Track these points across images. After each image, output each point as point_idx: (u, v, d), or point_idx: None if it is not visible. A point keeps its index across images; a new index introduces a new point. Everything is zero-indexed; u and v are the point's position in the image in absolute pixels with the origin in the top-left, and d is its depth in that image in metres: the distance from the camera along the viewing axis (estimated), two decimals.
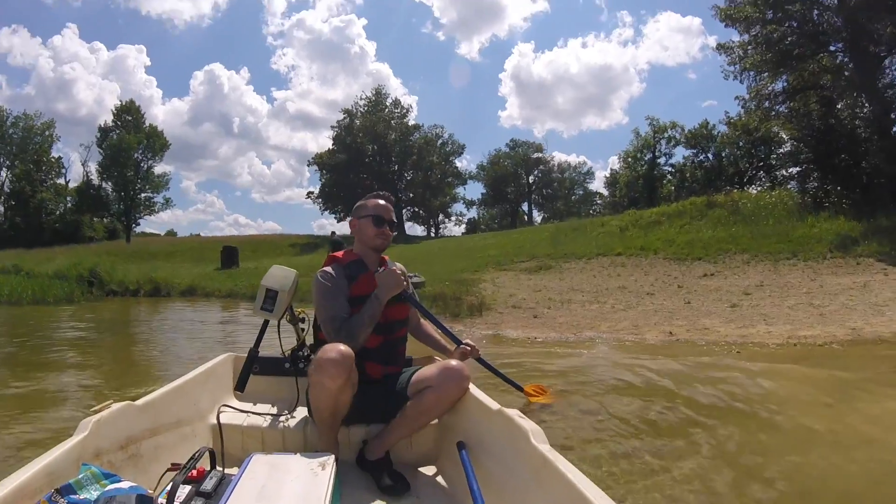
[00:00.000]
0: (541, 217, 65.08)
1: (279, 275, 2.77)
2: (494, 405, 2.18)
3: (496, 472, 2.03)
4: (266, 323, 2.85)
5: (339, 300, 2.46)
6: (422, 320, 2.93)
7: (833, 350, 6.23)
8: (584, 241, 16.96)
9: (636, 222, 19.67)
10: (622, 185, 53.32)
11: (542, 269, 13.49)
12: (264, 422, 2.63)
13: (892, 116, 19.66)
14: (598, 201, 64.02)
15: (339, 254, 2.65)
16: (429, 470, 2.53)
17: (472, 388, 2.43)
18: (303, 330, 2.88)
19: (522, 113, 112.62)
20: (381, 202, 2.66)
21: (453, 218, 65.90)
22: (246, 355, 2.85)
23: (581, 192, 67.81)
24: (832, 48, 20.94)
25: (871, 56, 19.86)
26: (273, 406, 2.86)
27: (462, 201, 65.76)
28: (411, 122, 59.65)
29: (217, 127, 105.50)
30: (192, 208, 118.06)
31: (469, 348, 2.83)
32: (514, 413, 2.03)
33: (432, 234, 60.58)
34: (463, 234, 59.64)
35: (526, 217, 65.59)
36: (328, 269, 2.54)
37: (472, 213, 70.02)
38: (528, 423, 1.91)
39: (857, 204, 17.08)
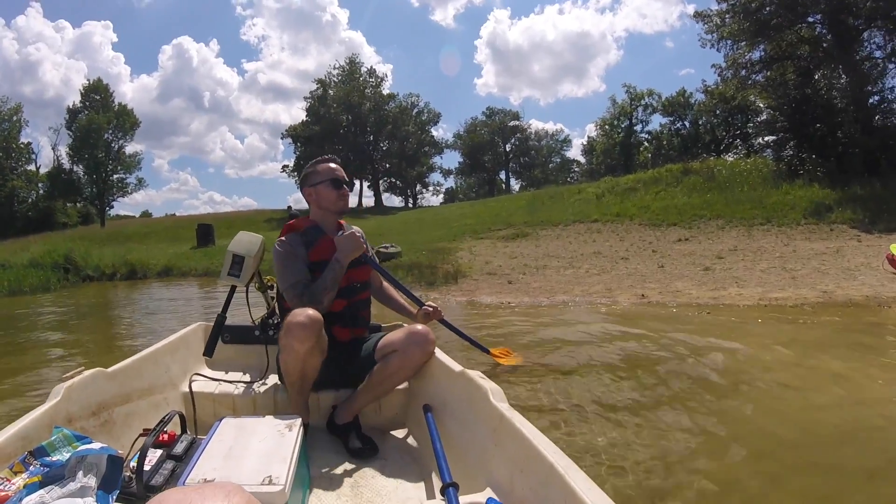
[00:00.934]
0: (518, 185, 64.93)
1: (245, 240, 2.80)
2: (457, 367, 2.23)
3: (459, 432, 2.07)
4: (234, 289, 2.87)
5: (298, 266, 2.48)
6: (384, 284, 2.96)
7: (803, 311, 6.36)
8: (561, 209, 17.06)
9: (612, 189, 19.81)
10: (599, 152, 53.76)
11: (519, 237, 13.60)
12: (235, 389, 2.66)
13: (868, 88, 20.00)
14: (576, 169, 64.37)
15: (294, 222, 2.65)
16: (399, 433, 2.59)
17: (438, 352, 2.47)
18: (272, 298, 2.91)
19: (499, 80, 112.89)
20: (332, 164, 2.66)
21: (430, 188, 65.82)
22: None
23: (558, 160, 67.47)
24: (810, 19, 21.01)
25: (849, 28, 20.01)
26: (244, 374, 2.88)
27: (439, 171, 65.58)
28: (386, 92, 58.81)
29: (187, 102, 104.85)
30: (165, 188, 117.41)
31: (431, 309, 2.88)
32: (475, 374, 2.06)
33: (410, 205, 60.13)
34: (441, 204, 59.45)
35: (503, 185, 65.30)
36: (284, 238, 2.56)
37: (450, 182, 70.30)
38: (487, 383, 1.95)
39: (831, 173, 17.41)
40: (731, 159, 26.99)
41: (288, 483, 1.52)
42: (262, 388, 2.67)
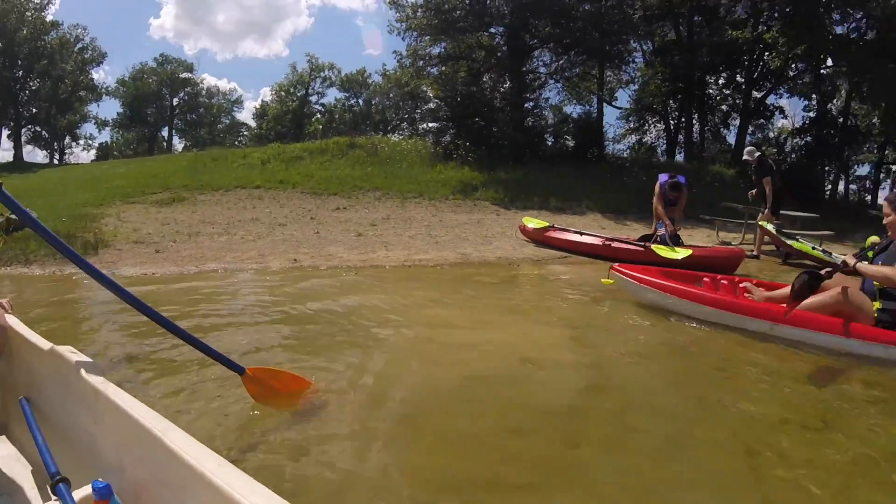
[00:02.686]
0: (182, 145, 57.70)
1: None
2: (46, 345, 1.90)
3: (60, 418, 1.81)
4: None
5: None
6: None
7: (440, 270, 7.09)
8: (224, 173, 16.33)
9: (279, 156, 19.51)
10: (271, 118, 52.21)
11: (176, 202, 12.66)
12: None
13: (527, 95, 23.52)
14: (245, 133, 59.32)
15: None
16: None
17: (23, 329, 2.09)
18: None
19: (177, 25, 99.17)
20: None
21: (82, 141, 54.69)
22: None
23: (228, 121, 61.12)
24: (493, 30, 23.53)
25: (524, 44, 23.14)
26: None
27: (93, 121, 54.86)
28: (49, 18, 46.78)
29: None
30: None
31: None
32: (65, 350, 1.80)
33: (56, 161, 50.42)
34: (92, 161, 50.21)
35: (165, 144, 57.17)
36: None
37: (105, 136, 59.30)
38: (79, 357, 1.72)
39: (482, 159, 19.69)
40: (395, 139, 28.57)
41: None
42: None
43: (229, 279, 6.20)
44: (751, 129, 33.68)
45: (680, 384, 3.52)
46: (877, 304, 4.26)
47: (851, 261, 4.39)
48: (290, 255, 7.59)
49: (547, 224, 9.90)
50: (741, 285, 5.36)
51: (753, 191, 10.50)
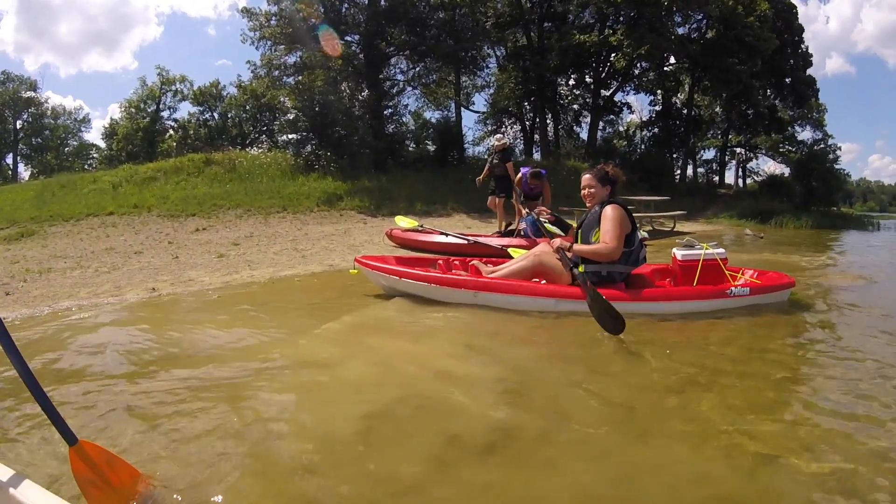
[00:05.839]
0: (28, 172, 52.93)
1: None
2: None
3: None
4: None
5: None
6: None
7: (307, 281, 7.17)
8: (74, 200, 15.35)
9: (131, 178, 18.62)
10: (121, 137, 48.74)
11: (25, 236, 11.73)
12: None
13: (384, 103, 23.93)
14: (94, 154, 55.19)
15: None
16: None
17: None
18: None
19: (17, 37, 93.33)
20: None
21: None
22: None
23: (76, 143, 56.35)
24: (349, 38, 23.61)
25: (380, 53, 23.45)
26: None
27: None
28: None
29: None
30: None
31: None
32: None
33: None
34: None
35: (10, 172, 52.29)
36: None
37: None
38: None
39: (344, 168, 19.82)
40: (254, 152, 28.24)
41: None
42: None
43: (79, 316, 5.91)
44: (601, 124, 36.13)
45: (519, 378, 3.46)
46: (581, 268, 4.91)
47: (566, 244, 5.02)
48: (147, 284, 7.30)
49: (418, 224, 10.16)
50: (471, 263, 5.84)
51: (480, 177, 11.36)
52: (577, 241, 5.12)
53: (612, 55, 29.42)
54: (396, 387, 3.15)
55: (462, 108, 32.06)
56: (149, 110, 49.77)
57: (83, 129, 58.29)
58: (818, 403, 2.98)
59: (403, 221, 10.35)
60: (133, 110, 49.84)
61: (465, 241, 9.12)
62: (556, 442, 2.52)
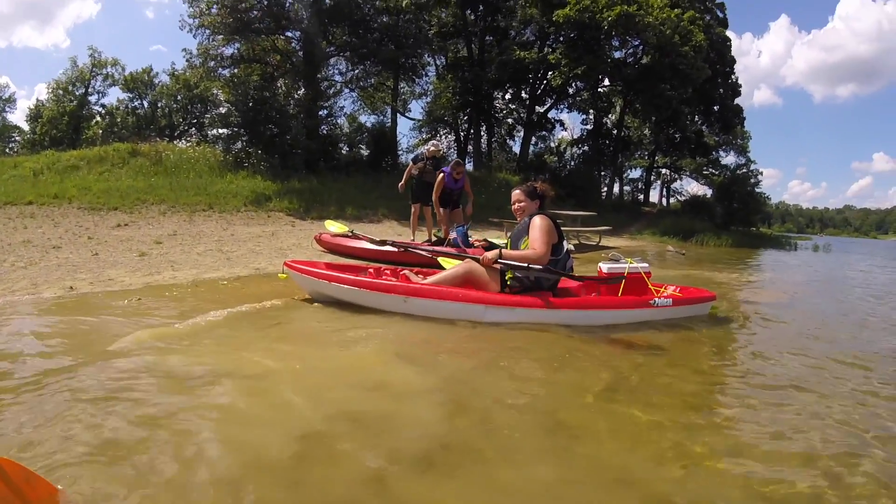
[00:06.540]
0: None
1: None
2: None
3: None
4: None
5: None
6: None
7: (232, 285, 6.98)
8: None
9: (53, 165, 17.86)
10: (45, 120, 46.29)
11: None
12: None
13: (320, 103, 23.51)
14: (17, 137, 52.35)
15: None
16: None
17: None
18: None
19: None
20: None
21: None
22: None
23: None
24: (289, 34, 23.49)
25: (320, 51, 23.09)
26: None
27: None
28: None
29: None
30: None
31: None
32: None
33: None
34: None
35: None
36: None
37: None
38: None
39: (274, 168, 19.53)
40: (182, 146, 27.32)
41: None
42: None
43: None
44: (534, 139, 36.92)
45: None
46: (510, 274, 5.20)
47: (492, 255, 5.19)
48: (65, 282, 7.02)
49: (348, 229, 10.01)
50: (402, 272, 6.05)
51: (402, 182, 11.31)
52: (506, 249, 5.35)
53: (550, 73, 30.15)
54: (330, 402, 3.11)
55: (398, 115, 32.17)
56: (77, 93, 47.59)
57: (7, 108, 54.75)
58: (738, 409, 3.25)
59: (333, 226, 10.15)
60: (61, 92, 47.51)
61: (396, 249, 9.13)
62: (491, 451, 2.60)
